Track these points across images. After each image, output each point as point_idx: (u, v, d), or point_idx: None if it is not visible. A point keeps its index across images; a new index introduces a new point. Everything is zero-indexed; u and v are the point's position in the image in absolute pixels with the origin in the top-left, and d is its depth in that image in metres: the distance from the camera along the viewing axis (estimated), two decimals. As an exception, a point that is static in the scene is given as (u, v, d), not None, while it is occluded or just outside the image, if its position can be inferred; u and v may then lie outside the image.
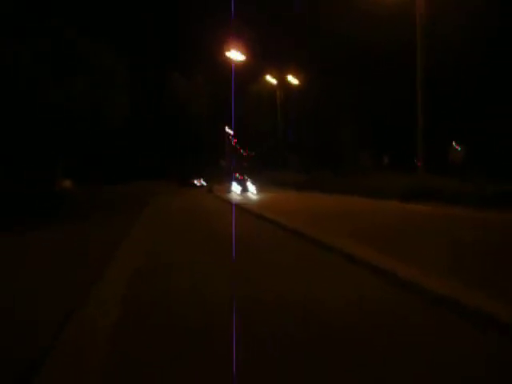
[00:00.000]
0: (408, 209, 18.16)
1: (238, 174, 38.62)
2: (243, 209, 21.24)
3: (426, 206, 18.26)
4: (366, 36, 31.34)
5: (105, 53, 24.50)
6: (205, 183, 51.83)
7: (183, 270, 8.42)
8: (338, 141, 37.99)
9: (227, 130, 64.00)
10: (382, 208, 18.80)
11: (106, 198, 30.55)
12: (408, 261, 7.43)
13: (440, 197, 18.97)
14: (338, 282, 6.97)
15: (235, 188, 33.79)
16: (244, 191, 33.14)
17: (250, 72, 47.85)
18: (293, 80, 41.93)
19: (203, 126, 60.39)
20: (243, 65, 45.74)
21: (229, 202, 26.55)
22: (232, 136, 65.27)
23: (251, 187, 33.70)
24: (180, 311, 5.72)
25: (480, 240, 9.42)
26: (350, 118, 36.10)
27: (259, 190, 34.81)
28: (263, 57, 47.01)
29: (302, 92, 41.12)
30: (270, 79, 43.30)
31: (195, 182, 52.40)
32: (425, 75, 22.87)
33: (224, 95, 52.70)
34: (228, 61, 44.70)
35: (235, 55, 44.54)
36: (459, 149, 35.30)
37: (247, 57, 45.38)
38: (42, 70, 22.61)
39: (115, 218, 18.73)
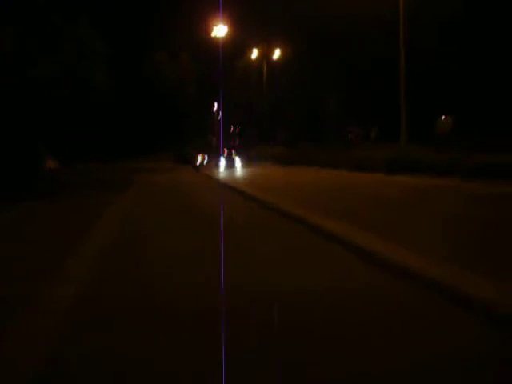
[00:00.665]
0: (387, 181, 18.19)
1: (225, 150, 38.84)
2: (226, 185, 21.10)
3: (409, 177, 18.25)
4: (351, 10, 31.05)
5: (80, 24, 23.98)
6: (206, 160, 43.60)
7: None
8: (323, 114, 37.79)
9: (215, 106, 63.55)
10: (365, 181, 18.72)
11: (92, 177, 30.21)
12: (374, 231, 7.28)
13: (422, 168, 18.95)
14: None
15: (222, 164, 33.89)
16: (230, 167, 33.25)
17: (237, 47, 47.29)
18: (278, 53, 41.51)
19: (190, 104, 59.81)
20: (229, 39, 45.25)
21: (213, 178, 26.32)
22: (220, 112, 64.86)
23: (238, 163, 33.95)
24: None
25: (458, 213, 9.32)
26: (333, 91, 35.81)
27: (247, 165, 34.96)
28: (249, 31, 46.29)
29: (287, 65, 40.69)
30: (255, 53, 42.88)
31: (198, 158, 42.90)
32: (409, 46, 22.71)
33: (211, 72, 52.19)
34: (214, 36, 44.24)
35: (221, 30, 44.01)
36: (447, 120, 35.18)
37: (233, 31, 44.90)
38: (21, 43, 22.19)
39: (94, 197, 18.26)
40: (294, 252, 6.86)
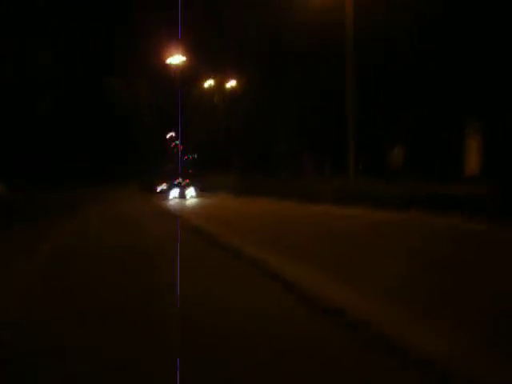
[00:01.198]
0: (331, 213, 18.21)
1: (179, 180, 38.33)
2: (171, 214, 20.65)
3: (352, 209, 18.20)
4: (302, 41, 31.38)
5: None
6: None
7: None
8: (275, 145, 37.89)
9: (171, 134, 63.30)
10: (307, 213, 18.75)
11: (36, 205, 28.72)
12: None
13: (368, 200, 18.88)
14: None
15: (173, 194, 33.25)
16: (182, 197, 32.75)
17: (192, 76, 47.18)
18: (233, 83, 41.59)
19: (147, 131, 59.14)
20: (185, 69, 45.24)
21: (162, 208, 25.75)
22: (176, 141, 64.55)
23: (191, 192, 33.54)
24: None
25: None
26: (286, 123, 35.99)
27: (200, 194, 34.65)
28: (206, 61, 46.33)
29: (240, 96, 40.78)
30: (210, 83, 42.88)
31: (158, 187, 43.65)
32: (357, 75, 22.98)
33: (168, 100, 51.94)
34: (170, 63, 44.11)
35: (177, 58, 43.95)
36: (399, 151, 35.61)
37: (190, 61, 44.86)
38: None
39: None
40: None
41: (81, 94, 49.82)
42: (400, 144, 32.82)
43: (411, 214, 15.36)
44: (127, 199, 34.27)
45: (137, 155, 60.66)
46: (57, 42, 46.27)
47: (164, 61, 46.46)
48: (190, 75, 46.43)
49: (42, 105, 23.59)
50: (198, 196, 33.93)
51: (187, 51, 44.57)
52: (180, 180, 37.91)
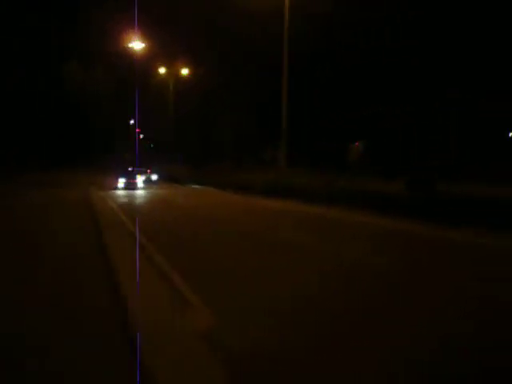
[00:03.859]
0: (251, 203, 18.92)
1: (130, 168, 37.58)
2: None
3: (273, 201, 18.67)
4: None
5: None
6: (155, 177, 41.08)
7: None
8: (219, 137, 38.32)
9: (132, 122, 62.57)
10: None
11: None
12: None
13: (296, 193, 19.24)
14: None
15: (121, 182, 31.83)
16: (130, 184, 31.43)
17: (151, 63, 46.77)
18: (186, 72, 41.50)
19: (104, 118, 58.32)
20: (144, 56, 44.77)
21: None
22: (135, 129, 63.94)
23: (139, 181, 32.69)
24: None
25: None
26: (229, 117, 36.40)
27: (148, 185, 34.49)
28: (161, 48, 45.98)
29: (191, 87, 40.74)
30: (163, 70, 42.64)
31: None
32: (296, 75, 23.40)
33: (126, 86, 51.45)
34: (129, 48, 43.56)
35: (136, 45, 43.46)
36: (359, 146, 35.97)
37: (148, 47, 44.42)
38: None
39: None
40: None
41: (40, 80, 49.25)
42: (362, 140, 33.13)
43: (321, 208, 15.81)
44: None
45: (97, 142, 59.84)
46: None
47: (122, 47, 45.83)
48: (147, 62, 46.04)
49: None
50: (144, 187, 32.66)
51: (145, 38, 44.10)
52: (131, 169, 36.97)
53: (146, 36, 43.66)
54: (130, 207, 18.30)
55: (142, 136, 71.10)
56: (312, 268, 7.02)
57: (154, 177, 40.78)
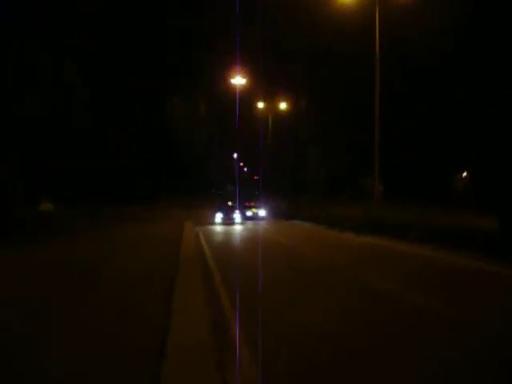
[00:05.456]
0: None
1: (230, 202, 36.87)
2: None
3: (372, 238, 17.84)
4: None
5: (67, 68, 24.91)
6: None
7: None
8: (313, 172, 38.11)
9: (235, 156, 64.31)
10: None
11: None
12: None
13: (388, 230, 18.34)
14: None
15: (218, 217, 31.48)
16: (228, 219, 30.96)
17: (249, 98, 47.85)
18: (284, 106, 41.82)
19: (204, 151, 60.14)
20: (245, 91, 45.85)
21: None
22: (239, 161, 65.51)
23: (237, 216, 31.98)
24: None
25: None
26: (320, 148, 36.13)
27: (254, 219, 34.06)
28: (262, 83, 46.95)
29: (287, 120, 40.97)
30: (261, 105, 43.27)
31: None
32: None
33: (225, 122, 53.05)
34: (232, 84, 44.77)
35: (239, 81, 44.65)
36: (466, 177, 34.27)
37: (248, 83, 45.51)
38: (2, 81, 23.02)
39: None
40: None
41: (142, 117, 51.87)
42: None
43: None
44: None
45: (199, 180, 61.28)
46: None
47: (225, 83, 47.23)
48: (248, 97, 47.13)
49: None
50: (244, 223, 31.70)
51: (247, 74, 45.20)
52: (230, 203, 36.11)
53: (247, 71, 44.74)
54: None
55: (245, 169, 72.94)
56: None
57: (262, 212, 36.38)
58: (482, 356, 5.18)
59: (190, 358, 4.97)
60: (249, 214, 35.37)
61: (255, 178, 69.53)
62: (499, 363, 4.96)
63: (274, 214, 36.09)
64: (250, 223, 31.10)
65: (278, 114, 43.27)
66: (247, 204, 37.31)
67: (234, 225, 29.76)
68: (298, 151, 41.32)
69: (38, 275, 10.53)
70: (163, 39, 52.99)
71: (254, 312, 6.86)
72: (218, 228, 27.25)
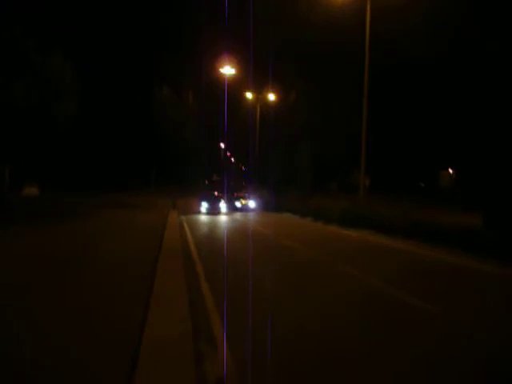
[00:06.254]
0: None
1: (216, 192, 36.54)
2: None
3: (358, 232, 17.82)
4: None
5: (54, 55, 24.52)
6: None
7: None
8: (301, 162, 37.93)
9: (221, 145, 64.01)
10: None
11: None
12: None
13: (374, 224, 18.31)
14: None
15: (204, 206, 31.31)
16: (213, 209, 30.82)
17: (240, 88, 47.46)
18: (272, 98, 41.54)
19: (193, 142, 59.87)
20: (234, 81, 45.44)
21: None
22: (227, 151, 65.23)
23: (222, 206, 31.88)
24: None
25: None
26: (310, 141, 36.03)
27: (234, 209, 33.86)
28: (252, 73, 46.61)
29: (277, 111, 40.82)
30: (249, 95, 42.88)
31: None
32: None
33: (214, 111, 52.66)
34: (221, 74, 44.39)
35: (228, 70, 44.31)
36: (449, 173, 34.41)
37: (238, 73, 45.14)
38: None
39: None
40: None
41: (130, 105, 51.55)
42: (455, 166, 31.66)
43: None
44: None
45: (186, 165, 61.16)
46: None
47: (214, 73, 46.84)
48: (237, 87, 46.73)
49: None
50: (228, 213, 31.62)
51: (236, 64, 44.80)
52: (216, 193, 35.86)
53: (236, 62, 44.37)
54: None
55: (233, 159, 72.58)
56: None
57: (252, 204, 35.29)
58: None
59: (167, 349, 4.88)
60: (238, 205, 34.97)
61: (243, 168, 69.43)
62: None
63: (263, 206, 35.67)
64: (238, 214, 30.77)
65: (267, 105, 42.97)
66: (236, 195, 37.01)
67: (219, 215, 29.52)
68: (287, 143, 41.22)
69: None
70: (153, 30, 52.79)
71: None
72: (203, 217, 27.07)
